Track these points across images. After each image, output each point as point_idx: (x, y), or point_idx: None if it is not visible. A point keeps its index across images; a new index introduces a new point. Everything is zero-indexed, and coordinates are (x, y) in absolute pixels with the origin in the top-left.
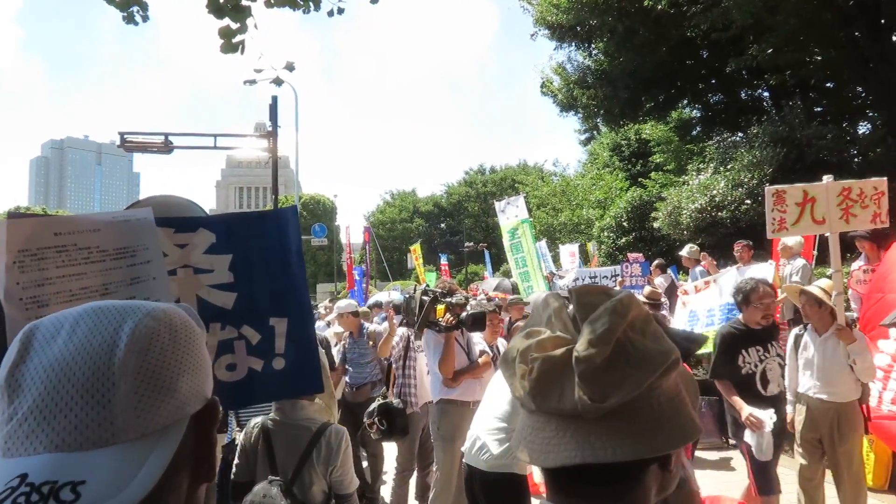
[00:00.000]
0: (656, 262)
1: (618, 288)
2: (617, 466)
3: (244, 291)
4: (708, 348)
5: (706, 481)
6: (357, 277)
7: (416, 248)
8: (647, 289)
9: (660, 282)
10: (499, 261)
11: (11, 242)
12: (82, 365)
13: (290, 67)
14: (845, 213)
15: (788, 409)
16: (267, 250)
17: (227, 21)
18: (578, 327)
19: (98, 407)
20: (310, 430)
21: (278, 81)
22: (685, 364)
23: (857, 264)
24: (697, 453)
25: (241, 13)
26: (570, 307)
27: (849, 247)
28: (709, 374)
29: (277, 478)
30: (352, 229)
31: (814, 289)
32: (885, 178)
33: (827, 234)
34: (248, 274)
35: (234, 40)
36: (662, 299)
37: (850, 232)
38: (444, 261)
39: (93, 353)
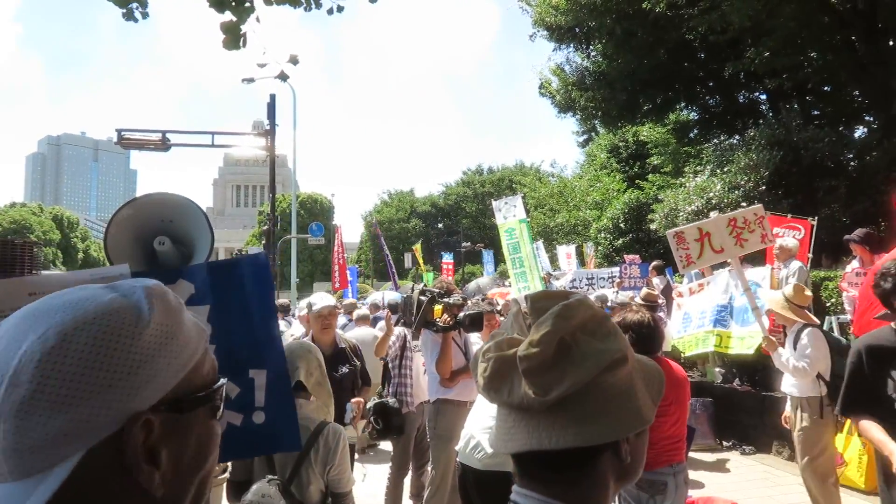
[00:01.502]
0: (654, 263)
1: (615, 289)
2: (570, 454)
3: (223, 343)
4: (698, 349)
5: (700, 482)
6: (350, 277)
7: (417, 248)
8: (644, 290)
9: (657, 283)
10: (498, 261)
11: None
12: None
13: (294, 61)
14: (738, 239)
15: (788, 407)
16: (244, 300)
17: (229, 16)
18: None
19: None
20: (307, 430)
21: (283, 76)
22: (665, 360)
23: (851, 267)
24: (692, 454)
25: (242, 7)
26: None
27: (846, 249)
28: (838, 408)
29: (275, 477)
30: (347, 229)
31: (778, 295)
32: (762, 206)
33: (824, 238)
34: (227, 325)
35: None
36: (660, 301)
37: (845, 235)
38: (446, 259)
39: None
